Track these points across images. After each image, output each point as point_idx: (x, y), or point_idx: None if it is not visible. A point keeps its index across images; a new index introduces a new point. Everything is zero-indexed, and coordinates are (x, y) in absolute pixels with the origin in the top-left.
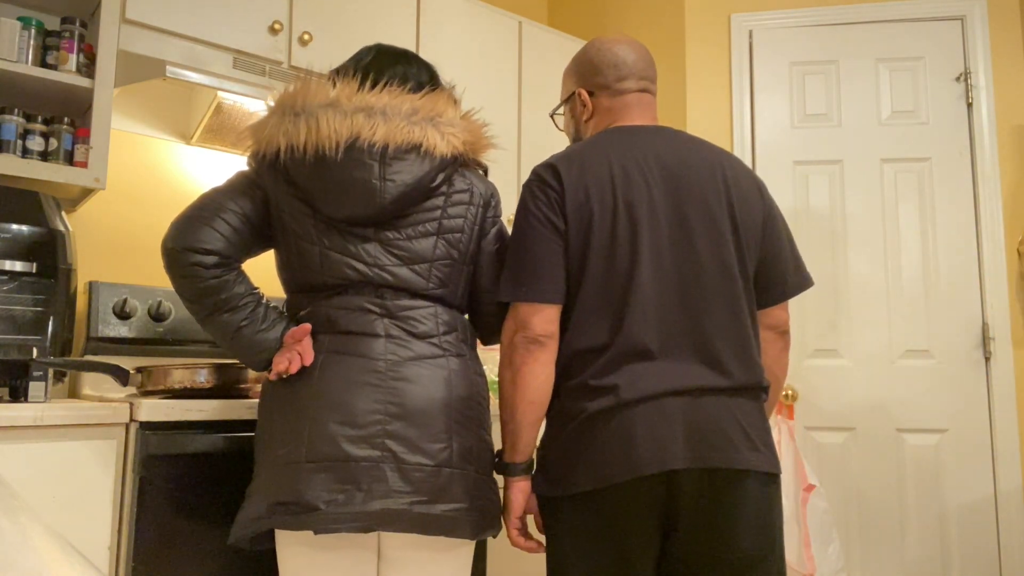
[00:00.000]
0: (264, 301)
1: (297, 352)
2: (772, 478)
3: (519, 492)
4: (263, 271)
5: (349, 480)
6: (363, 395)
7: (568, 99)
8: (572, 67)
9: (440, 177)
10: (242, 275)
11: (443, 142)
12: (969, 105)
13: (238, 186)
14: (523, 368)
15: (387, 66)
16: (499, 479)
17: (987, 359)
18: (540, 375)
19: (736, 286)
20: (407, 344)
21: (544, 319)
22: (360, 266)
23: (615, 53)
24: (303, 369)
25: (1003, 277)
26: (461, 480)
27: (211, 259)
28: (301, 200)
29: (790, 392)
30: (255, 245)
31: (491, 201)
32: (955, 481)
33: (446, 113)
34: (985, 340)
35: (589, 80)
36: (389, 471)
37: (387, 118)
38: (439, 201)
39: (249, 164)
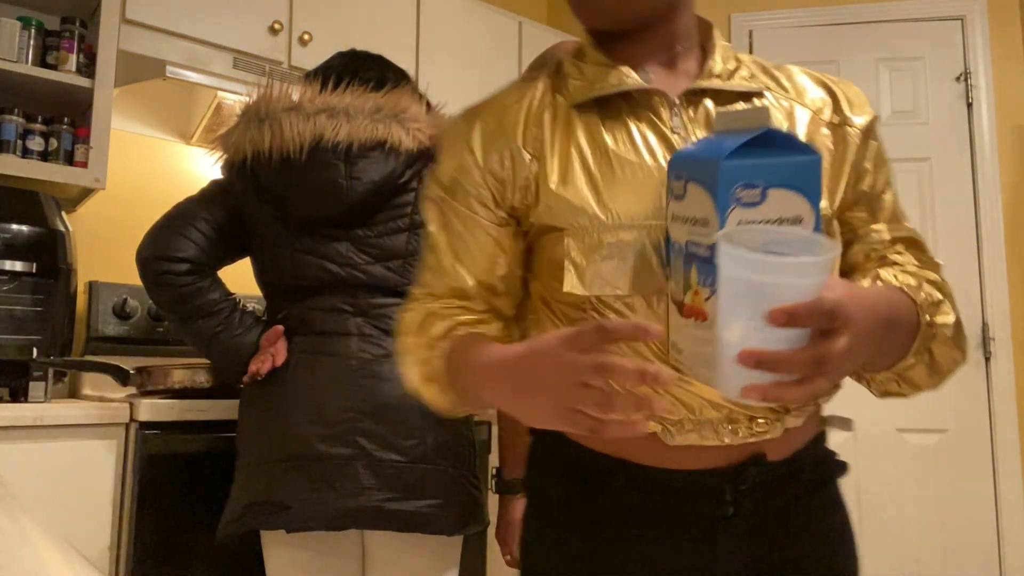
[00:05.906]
0: (240, 306)
1: (271, 354)
2: None
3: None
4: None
5: (320, 478)
6: (335, 393)
7: None
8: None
9: (408, 173)
10: (216, 281)
11: (408, 138)
12: (969, 105)
13: (210, 195)
14: None
15: (351, 68)
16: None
17: (987, 359)
18: None
19: None
20: (380, 342)
21: None
22: (333, 267)
23: None
24: (276, 370)
25: (1003, 277)
26: (436, 476)
27: (183, 267)
28: (271, 204)
29: None
30: (228, 252)
31: None
32: (955, 481)
33: (410, 109)
34: (985, 340)
35: None
36: (361, 468)
37: (350, 117)
38: (410, 197)
39: (222, 173)
